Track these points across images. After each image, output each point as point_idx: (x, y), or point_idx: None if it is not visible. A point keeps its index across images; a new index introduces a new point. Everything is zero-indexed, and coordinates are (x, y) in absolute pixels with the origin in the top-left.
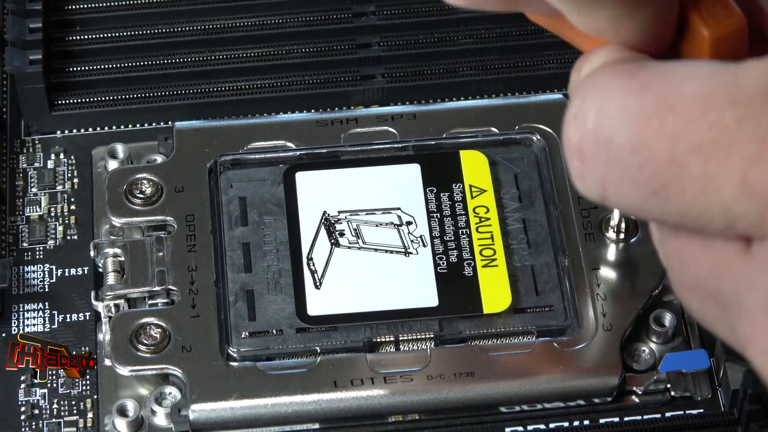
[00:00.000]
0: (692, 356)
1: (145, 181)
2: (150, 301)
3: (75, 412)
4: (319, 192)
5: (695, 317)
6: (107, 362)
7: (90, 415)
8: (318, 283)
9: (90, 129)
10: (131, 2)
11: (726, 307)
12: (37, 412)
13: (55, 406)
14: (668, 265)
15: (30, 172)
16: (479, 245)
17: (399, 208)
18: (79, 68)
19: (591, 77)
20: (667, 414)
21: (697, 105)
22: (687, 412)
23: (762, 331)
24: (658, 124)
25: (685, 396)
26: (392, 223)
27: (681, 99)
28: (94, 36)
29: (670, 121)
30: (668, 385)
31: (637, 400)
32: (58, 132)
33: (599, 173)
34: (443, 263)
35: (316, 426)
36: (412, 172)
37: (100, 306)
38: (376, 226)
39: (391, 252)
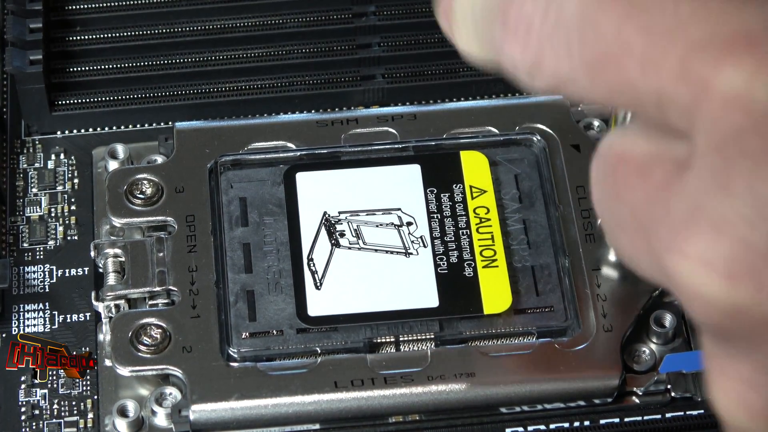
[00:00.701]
0: (693, 357)
1: (145, 182)
2: (150, 302)
3: (75, 412)
4: (319, 192)
5: (623, 256)
6: (107, 362)
7: (90, 415)
8: (318, 284)
9: (90, 129)
10: (131, 2)
11: (654, 231)
12: (37, 412)
13: (55, 406)
14: (602, 201)
15: (30, 173)
16: (479, 246)
17: (399, 209)
18: (79, 68)
19: None
20: (668, 415)
21: None
22: (687, 412)
23: (683, 237)
24: (611, 1)
25: (685, 397)
26: (392, 223)
27: None
28: (94, 36)
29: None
30: (669, 386)
31: (637, 400)
32: (59, 132)
33: (542, 39)
34: (444, 264)
35: (317, 426)
36: (413, 172)
37: (100, 306)
38: (377, 226)
39: (392, 252)
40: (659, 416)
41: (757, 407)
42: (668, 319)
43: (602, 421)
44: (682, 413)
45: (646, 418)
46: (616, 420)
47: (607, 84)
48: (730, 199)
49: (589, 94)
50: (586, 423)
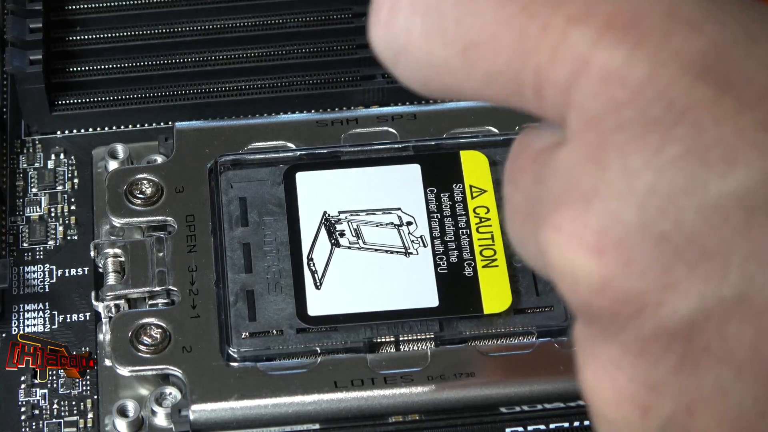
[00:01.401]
0: None
1: (145, 182)
2: (150, 302)
3: (75, 412)
4: (319, 192)
5: (515, 246)
6: (107, 362)
7: (90, 415)
8: (318, 284)
9: (90, 129)
10: (131, 2)
11: (536, 212)
12: (37, 412)
13: (55, 406)
14: (504, 191)
15: (30, 172)
16: (479, 245)
17: (399, 209)
18: (79, 68)
19: None
20: None
21: None
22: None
23: (555, 210)
24: None
25: None
26: (392, 223)
27: None
28: (94, 36)
29: None
30: None
31: None
32: (59, 132)
33: (409, 21)
34: (443, 263)
35: (317, 426)
36: (413, 172)
37: (100, 306)
38: (377, 226)
39: (392, 252)
40: None
41: (624, 390)
42: None
43: None
44: None
45: None
46: None
47: (483, 70)
48: (601, 173)
49: (463, 83)
50: (586, 423)
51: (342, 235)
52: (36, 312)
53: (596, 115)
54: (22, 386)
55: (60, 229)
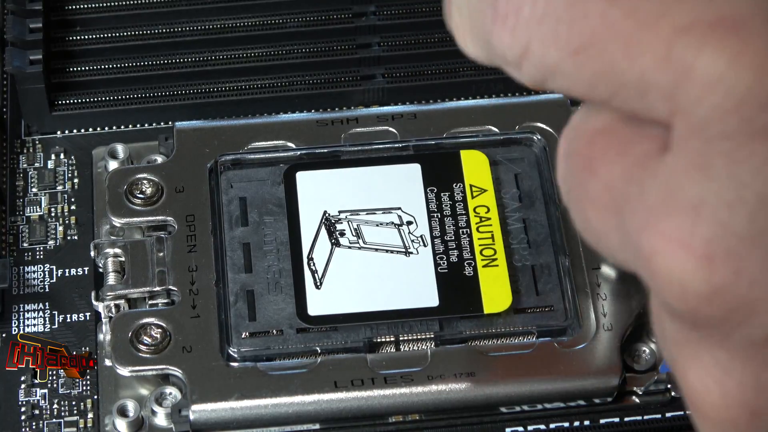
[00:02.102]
0: None
1: (145, 181)
2: (150, 302)
3: (75, 412)
4: (319, 192)
5: (587, 232)
6: (107, 362)
7: (90, 415)
8: (318, 283)
9: (90, 129)
10: (131, 2)
11: (628, 209)
12: (37, 412)
13: (55, 406)
14: (571, 174)
15: (30, 172)
16: (480, 245)
17: (399, 208)
18: (79, 68)
19: None
20: (668, 414)
21: None
22: (687, 412)
23: (660, 217)
24: None
25: None
26: (393, 222)
27: None
28: (94, 36)
29: None
30: (669, 386)
31: (637, 400)
32: (59, 132)
33: (531, 28)
34: (444, 263)
35: (317, 426)
36: (413, 171)
37: (100, 306)
38: (377, 225)
39: (392, 252)
40: (659, 416)
41: (732, 394)
42: None
43: (602, 421)
44: (682, 413)
45: (646, 417)
46: (616, 419)
47: (591, 70)
48: (709, 182)
49: (573, 83)
50: (586, 422)
51: (342, 234)
52: (36, 312)
53: (701, 122)
54: (22, 386)
55: (60, 229)
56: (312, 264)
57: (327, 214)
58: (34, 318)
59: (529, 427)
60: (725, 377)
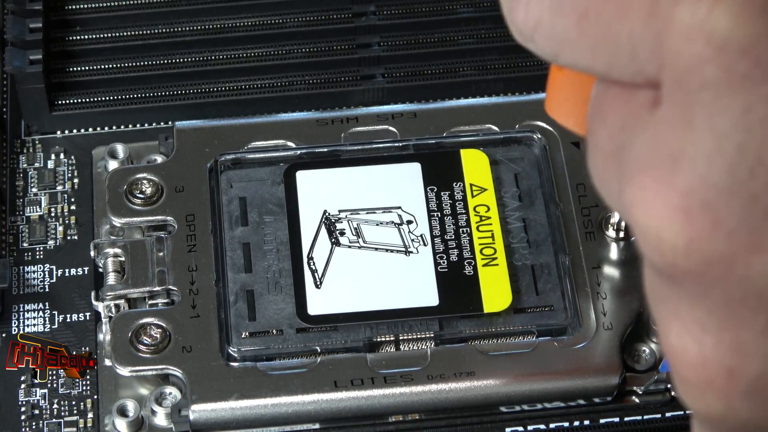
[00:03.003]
0: None
1: (145, 181)
2: (150, 302)
3: (75, 412)
4: (319, 191)
5: (594, 179)
6: (107, 362)
7: (90, 415)
8: (318, 283)
9: (90, 129)
10: (131, 2)
11: (622, 158)
12: (37, 412)
13: (55, 406)
14: (590, 122)
15: (30, 172)
16: (480, 244)
17: (399, 207)
18: (79, 68)
19: None
20: (668, 414)
21: None
22: (687, 412)
23: (642, 168)
24: None
25: None
26: (393, 222)
27: None
28: (94, 36)
29: None
30: (669, 386)
31: (637, 400)
32: (58, 132)
33: (542, 3)
34: (444, 262)
35: (317, 426)
36: (413, 170)
37: (100, 306)
38: (377, 225)
39: (392, 251)
40: (659, 415)
41: (709, 352)
42: None
43: (602, 421)
44: (682, 412)
45: (646, 417)
46: (616, 419)
47: (592, 37)
48: (689, 133)
49: (578, 54)
50: (586, 422)
51: (342, 234)
52: (36, 312)
53: (683, 73)
54: (22, 386)
55: (60, 229)
56: (312, 263)
57: (327, 214)
58: (34, 318)
59: (529, 427)
60: (703, 335)
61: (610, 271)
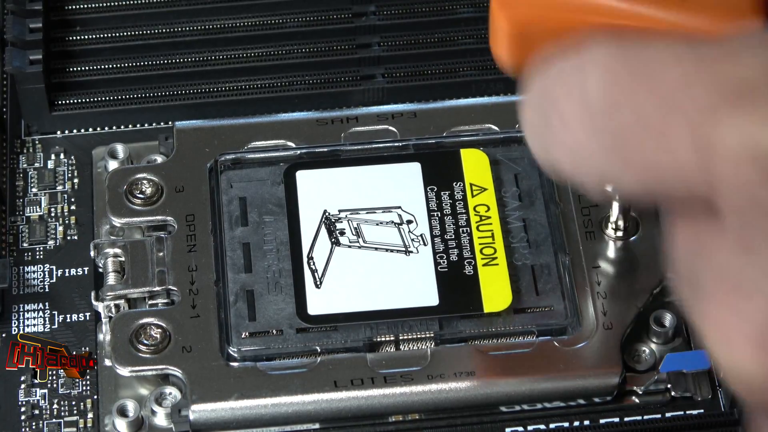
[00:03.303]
0: (693, 356)
1: (145, 181)
2: (150, 302)
3: (75, 412)
4: (319, 191)
5: (684, 306)
6: (107, 362)
7: (90, 415)
8: (318, 283)
9: (90, 129)
10: (131, 2)
11: (695, 291)
12: (37, 412)
13: (55, 406)
14: (669, 250)
15: (30, 172)
16: (480, 244)
17: (399, 207)
18: (79, 68)
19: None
20: (668, 414)
21: (677, 79)
22: (687, 412)
23: (711, 302)
24: (623, 73)
25: (685, 396)
26: (393, 221)
27: (661, 80)
28: (94, 36)
29: (644, 85)
30: (669, 386)
31: (637, 400)
32: (58, 132)
33: (575, 131)
34: (444, 262)
35: (317, 426)
36: (413, 170)
37: (100, 306)
38: (377, 224)
39: (392, 251)
40: (659, 416)
41: None
42: (668, 319)
43: (602, 421)
44: (682, 413)
45: (646, 417)
46: (616, 419)
47: (635, 169)
48: (754, 260)
49: (625, 184)
50: (586, 422)
51: (342, 233)
52: (36, 312)
53: (736, 200)
54: (22, 386)
55: (60, 229)
56: (312, 263)
57: (327, 213)
58: (34, 318)
59: (529, 427)
60: None
61: (610, 271)
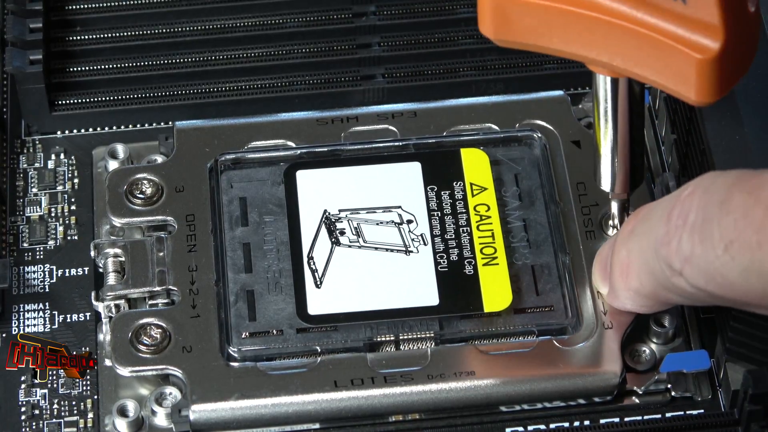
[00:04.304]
0: (693, 357)
1: (145, 181)
2: (150, 302)
3: (75, 412)
4: (319, 190)
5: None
6: (107, 362)
7: (90, 415)
8: (318, 282)
9: (90, 129)
10: (131, 2)
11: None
12: (37, 412)
13: (55, 406)
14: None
15: (30, 172)
16: (480, 243)
17: (400, 207)
18: (79, 68)
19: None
20: (668, 414)
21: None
22: (687, 412)
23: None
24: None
25: (685, 396)
26: (393, 221)
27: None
28: (94, 36)
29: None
30: (669, 386)
31: (637, 400)
32: (59, 132)
33: (693, 235)
34: (444, 262)
35: (317, 426)
36: (413, 170)
37: (100, 306)
38: (377, 224)
39: (392, 251)
40: (659, 416)
41: None
42: (668, 319)
43: (602, 421)
44: (682, 413)
45: (646, 417)
46: (616, 419)
47: (742, 264)
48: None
49: (732, 278)
50: (586, 422)
51: (342, 233)
52: (36, 312)
53: None
54: (22, 386)
55: (60, 229)
56: (312, 263)
57: (327, 213)
58: (34, 318)
59: (529, 427)
60: None
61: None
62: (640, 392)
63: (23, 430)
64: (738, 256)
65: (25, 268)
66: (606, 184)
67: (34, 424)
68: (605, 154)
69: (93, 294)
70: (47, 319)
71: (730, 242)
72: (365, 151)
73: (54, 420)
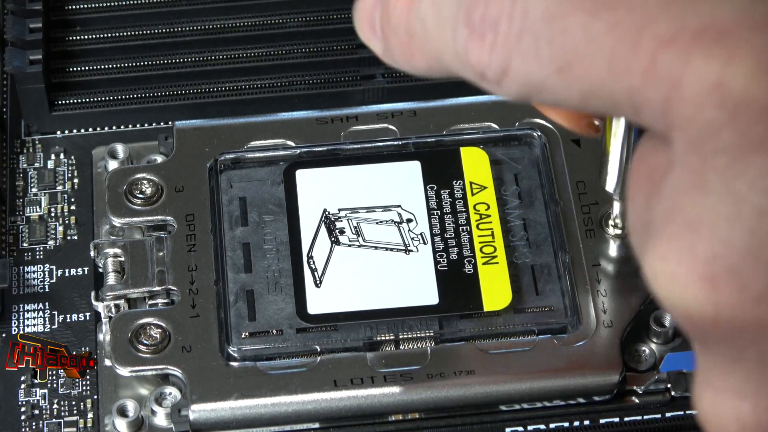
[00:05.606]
0: (693, 356)
1: (145, 181)
2: (150, 302)
3: (75, 412)
4: (319, 190)
5: (637, 257)
6: (107, 362)
7: (90, 415)
8: (318, 282)
9: (90, 129)
10: (131, 2)
11: (645, 234)
12: (37, 412)
13: (55, 406)
14: (626, 206)
15: (30, 172)
16: (480, 242)
17: (399, 206)
18: (79, 68)
19: None
20: (668, 414)
21: None
22: (687, 412)
23: (659, 239)
24: None
25: (685, 396)
26: (392, 220)
27: None
28: (94, 36)
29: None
30: (669, 385)
31: (637, 400)
32: (58, 132)
33: (509, 43)
34: (444, 261)
35: (316, 426)
36: (413, 169)
37: (100, 306)
38: (377, 223)
39: (392, 250)
40: (659, 416)
41: (747, 419)
42: (668, 319)
43: (602, 421)
44: (682, 413)
45: (646, 417)
46: (616, 419)
47: (579, 87)
48: (706, 198)
49: (562, 99)
50: (586, 422)
51: (342, 232)
52: (36, 312)
53: (696, 138)
54: (22, 386)
55: (60, 229)
56: (312, 262)
57: (327, 212)
58: (34, 318)
59: (529, 427)
60: (739, 401)
61: (610, 269)
62: (640, 392)
63: (23, 430)
64: (576, 82)
65: (25, 268)
66: (611, 186)
67: (34, 424)
68: (614, 155)
69: (93, 294)
70: (47, 319)
71: (565, 66)
72: (365, 151)
73: (54, 420)
